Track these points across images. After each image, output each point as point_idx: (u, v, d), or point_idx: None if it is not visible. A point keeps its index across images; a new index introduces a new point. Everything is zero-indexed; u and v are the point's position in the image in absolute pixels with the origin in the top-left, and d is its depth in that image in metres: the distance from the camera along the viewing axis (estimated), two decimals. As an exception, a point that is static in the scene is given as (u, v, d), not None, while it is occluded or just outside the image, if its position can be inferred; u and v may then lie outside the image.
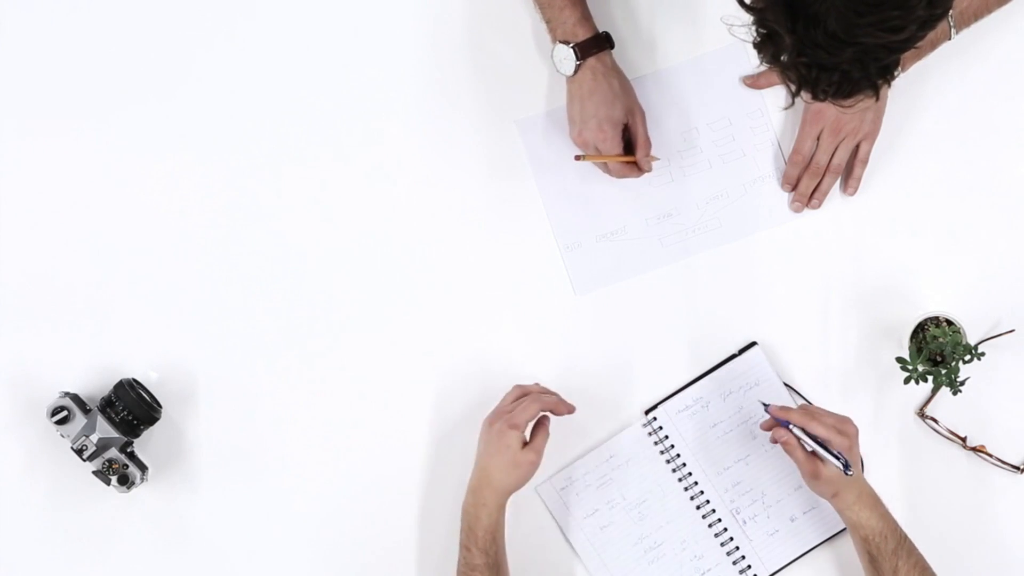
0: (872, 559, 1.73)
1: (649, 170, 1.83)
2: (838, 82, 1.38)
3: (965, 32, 1.80)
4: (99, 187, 1.89)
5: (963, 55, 1.86)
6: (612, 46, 1.81)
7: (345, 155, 1.89)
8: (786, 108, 1.69)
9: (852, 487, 1.73)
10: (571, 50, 1.77)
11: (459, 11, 1.89)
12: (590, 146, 1.80)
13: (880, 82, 1.39)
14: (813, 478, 1.73)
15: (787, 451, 1.75)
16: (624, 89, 1.80)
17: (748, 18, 1.39)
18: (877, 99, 1.43)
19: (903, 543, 1.74)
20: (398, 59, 1.89)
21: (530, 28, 1.87)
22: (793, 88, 1.41)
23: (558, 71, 1.80)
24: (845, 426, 1.73)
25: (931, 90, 1.87)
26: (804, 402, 1.85)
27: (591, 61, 1.78)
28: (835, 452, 1.70)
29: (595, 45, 1.78)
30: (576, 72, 1.78)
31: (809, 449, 1.72)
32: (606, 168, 1.83)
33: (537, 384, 1.82)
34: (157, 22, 1.90)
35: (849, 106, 1.43)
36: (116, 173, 1.89)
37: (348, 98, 1.89)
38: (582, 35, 1.78)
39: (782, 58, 1.38)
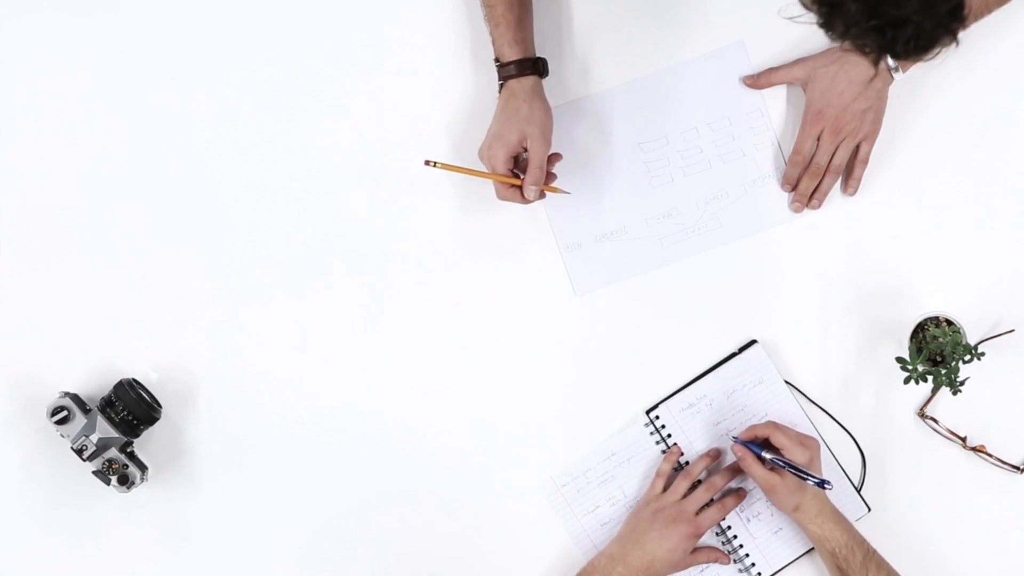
0: (842, 572, 1.75)
1: (531, 199, 1.77)
2: (914, 36, 1.35)
3: (964, 32, 1.80)
4: (98, 188, 1.89)
5: (962, 55, 1.83)
6: (540, 74, 1.79)
7: (344, 157, 1.89)
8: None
9: (813, 501, 1.76)
10: (497, 69, 1.79)
11: (459, 11, 1.89)
12: (483, 159, 1.79)
13: (955, 25, 1.37)
14: (771, 492, 1.77)
15: (744, 467, 1.79)
16: (531, 116, 1.77)
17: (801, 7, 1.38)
18: (957, 44, 1.40)
19: (871, 555, 1.75)
20: (398, 59, 1.89)
21: (485, 27, 1.86)
22: (872, 56, 1.39)
23: None
24: (807, 440, 1.77)
25: (931, 90, 1.87)
26: (805, 400, 1.85)
27: (512, 83, 1.78)
28: (808, 472, 1.73)
29: (521, 69, 1.77)
30: (500, 90, 1.79)
31: (781, 467, 1.75)
32: (496, 188, 1.80)
33: (702, 460, 1.84)
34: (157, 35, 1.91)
35: (930, 59, 1.40)
36: (115, 173, 1.89)
37: (347, 99, 1.89)
38: (508, 56, 1.78)
39: (852, 29, 1.36)
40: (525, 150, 1.78)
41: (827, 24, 1.38)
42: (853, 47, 1.39)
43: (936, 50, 1.38)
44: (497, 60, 1.79)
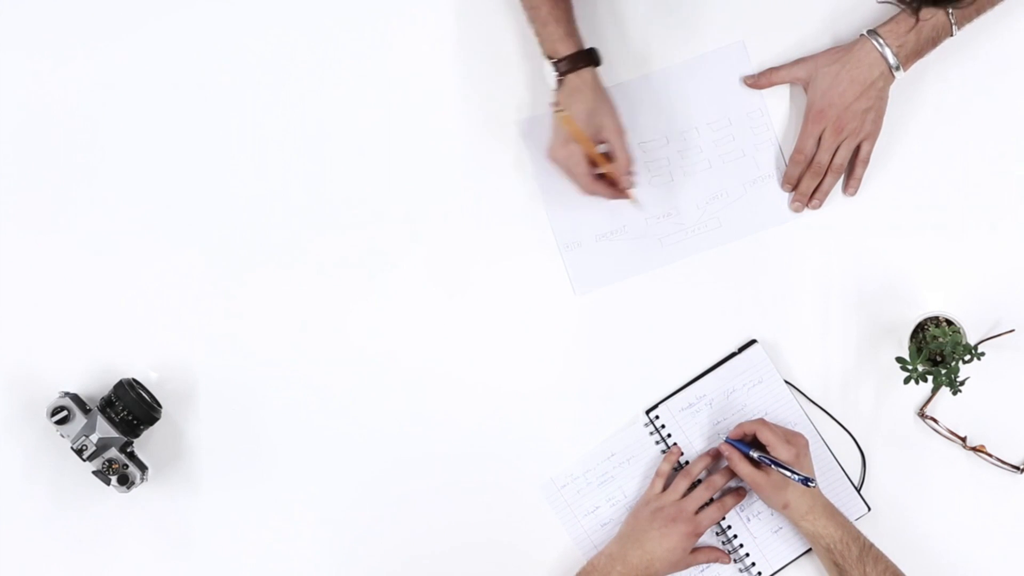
0: (839, 568, 1.75)
1: (629, 186, 1.80)
2: None
3: (964, 32, 1.80)
4: (98, 187, 1.88)
5: (962, 55, 1.86)
6: (596, 63, 1.79)
7: (345, 156, 1.89)
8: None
9: (803, 498, 1.76)
10: (552, 65, 1.77)
11: (459, 12, 1.89)
12: (559, 161, 1.79)
13: None
14: (758, 490, 1.78)
15: (731, 465, 1.80)
16: (599, 108, 1.78)
17: None
18: None
19: (868, 549, 1.75)
20: (398, 60, 1.89)
21: (530, 28, 1.86)
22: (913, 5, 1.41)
23: (549, 86, 1.80)
24: (794, 438, 1.78)
25: (930, 90, 1.87)
26: (804, 400, 1.85)
27: (571, 77, 1.77)
28: (791, 469, 1.73)
29: (576, 62, 1.77)
30: (558, 87, 1.78)
31: (767, 464, 1.75)
32: (576, 182, 1.80)
33: (701, 460, 1.84)
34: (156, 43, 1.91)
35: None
36: (115, 173, 1.89)
37: (348, 100, 1.89)
38: (563, 51, 1.77)
39: None
40: (599, 143, 1.78)
41: None
42: None
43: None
44: (550, 57, 1.78)
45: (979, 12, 1.80)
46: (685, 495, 1.82)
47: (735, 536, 1.84)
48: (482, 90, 1.88)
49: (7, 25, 1.89)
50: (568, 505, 1.86)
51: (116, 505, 1.86)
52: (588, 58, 1.78)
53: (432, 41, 1.89)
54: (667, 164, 1.89)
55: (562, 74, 1.77)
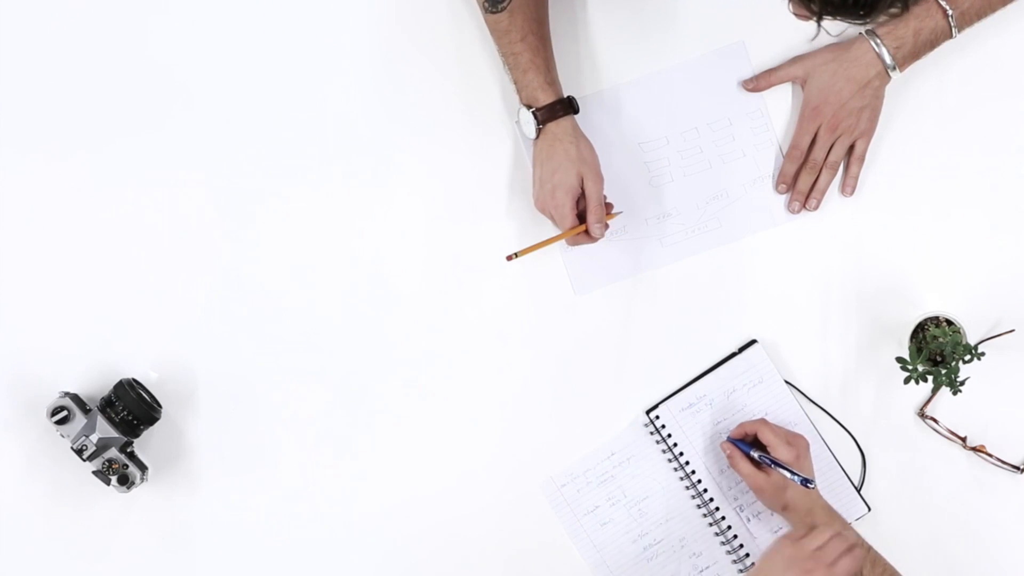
0: None
1: (600, 236, 1.79)
2: None
3: (963, 31, 1.81)
4: (99, 187, 1.88)
5: (961, 54, 1.86)
6: (575, 111, 1.80)
7: (342, 159, 1.89)
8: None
9: (803, 500, 1.76)
10: (532, 114, 1.78)
11: (459, 13, 1.89)
12: (546, 211, 1.80)
13: None
14: (759, 492, 1.78)
15: (732, 465, 1.80)
16: (581, 156, 1.78)
17: None
18: (907, 8, 1.41)
19: (866, 552, 1.74)
20: (397, 61, 1.89)
21: (508, 75, 1.86)
22: (815, 16, 1.41)
23: (522, 134, 1.82)
24: (795, 439, 1.78)
25: (929, 89, 1.87)
26: (804, 400, 1.85)
27: (551, 126, 1.78)
28: (791, 469, 1.73)
29: (556, 110, 1.78)
30: (537, 136, 1.79)
31: (768, 464, 1.75)
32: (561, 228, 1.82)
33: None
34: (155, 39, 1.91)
35: (879, 24, 1.40)
36: (116, 172, 1.89)
37: (346, 102, 1.89)
38: (543, 100, 1.78)
39: None
40: (580, 190, 1.79)
41: None
42: (798, 4, 1.39)
43: (875, 16, 1.38)
44: (528, 106, 1.79)
45: (979, 17, 1.80)
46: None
47: (735, 536, 1.84)
48: (481, 87, 1.88)
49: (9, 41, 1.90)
50: (568, 504, 1.86)
51: (116, 505, 1.86)
52: (568, 106, 1.79)
53: (430, 43, 1.89)
54: (667, 164, 1.89)
55: (542, 123, 1.78)
